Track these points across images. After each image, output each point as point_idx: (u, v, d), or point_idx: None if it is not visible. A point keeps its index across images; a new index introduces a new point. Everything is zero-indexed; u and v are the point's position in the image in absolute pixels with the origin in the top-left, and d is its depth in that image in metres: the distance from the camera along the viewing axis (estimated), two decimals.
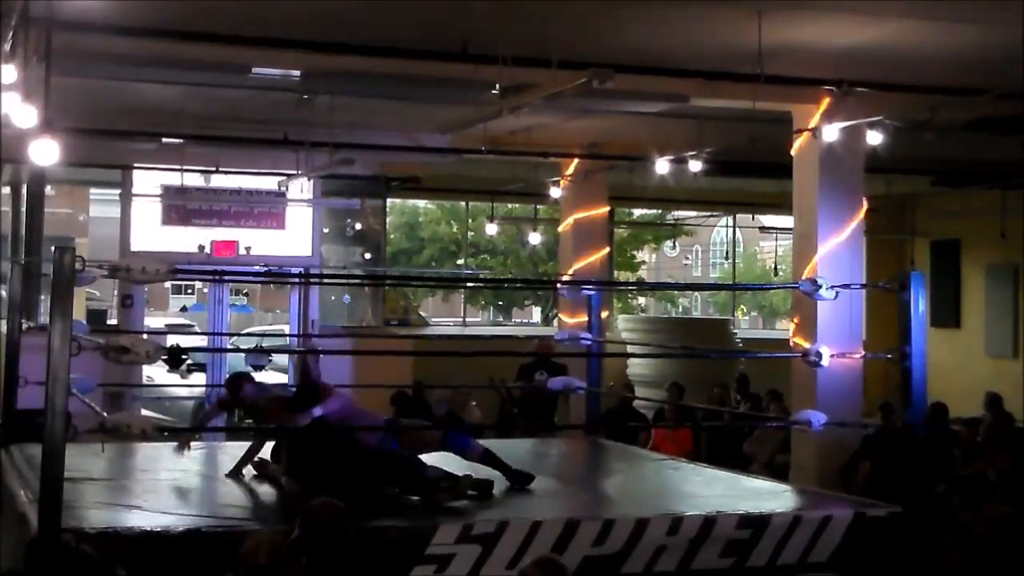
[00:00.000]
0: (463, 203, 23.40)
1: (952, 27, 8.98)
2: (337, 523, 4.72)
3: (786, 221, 16.14)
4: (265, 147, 13.08)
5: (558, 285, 15.57)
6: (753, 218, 23.12)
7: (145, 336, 10.30)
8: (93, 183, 17.81)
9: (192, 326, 27.13)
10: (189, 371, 16.41)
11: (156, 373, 15.91)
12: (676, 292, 39.36)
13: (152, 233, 14.14)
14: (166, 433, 9.99)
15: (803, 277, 10.34)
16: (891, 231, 19.61)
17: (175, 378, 16.26)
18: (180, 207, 14.29)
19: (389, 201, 19.67)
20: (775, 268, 26.08)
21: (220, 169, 13.97)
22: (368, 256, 17.17)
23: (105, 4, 8.26)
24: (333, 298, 16.79)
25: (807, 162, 11.04)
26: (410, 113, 12.52)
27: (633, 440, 11.19)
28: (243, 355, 16.09)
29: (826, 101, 10.64)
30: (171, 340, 15.31)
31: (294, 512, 5.04)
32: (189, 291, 42.75)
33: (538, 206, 20.18)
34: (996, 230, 16.94)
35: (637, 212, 29.03)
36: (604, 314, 11.07)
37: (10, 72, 7.27)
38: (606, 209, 15.90)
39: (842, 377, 10.21)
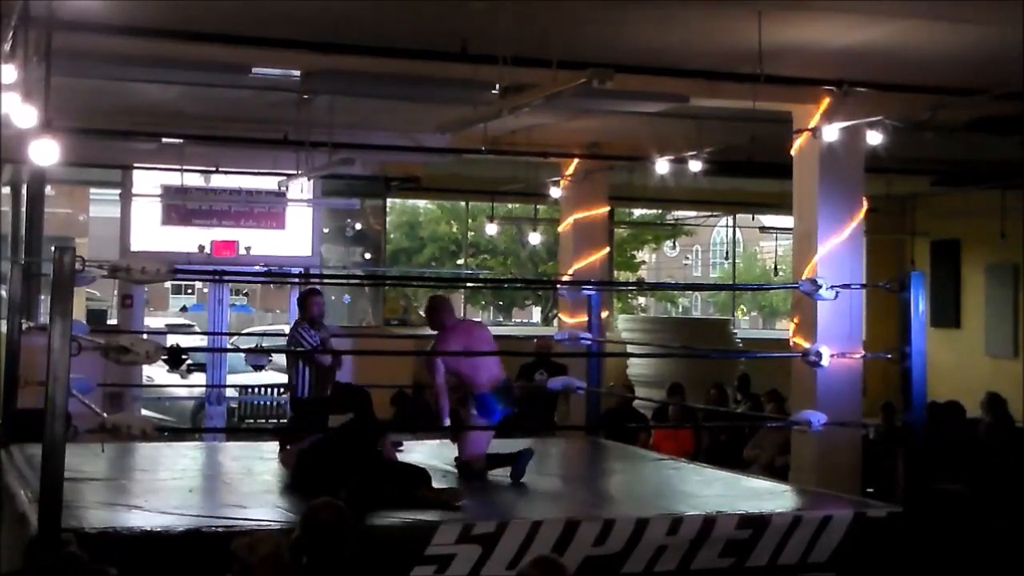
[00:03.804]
0: (463, 203, 23.39)
1: (952, 27, 8.97)
2: (337, 523, 4.72)
3: (786, 221, 16.14)
4: (265, 147, 13.07)
5: (558, 285, 15.56)
6: (753, 218, 23.12)
7: (145, 336, 10.30)
8: (93, 183, 17.82)
9: (192, 326, 27.13)
10: (189, 371, 16.42)
11: (156, 373, 15.91)
12: (676, 292, 39.34)
13: (152, 233, 14.14)
14: (166, 433, 10.01)
15: (803, 277, 10.33)
16: (891, 231, 19.61)
17: (175, 378, 16.27)
18: (180, 207, 14.29)
19: (389, 201, 19.67)
20: (775, 268, 26.08)
21: (220, 169, 13.97)
22: (368, 256, 17.19)
23: (105, 4, 8.25)
24: (333, 298, 16.80)
25: (807, 162, 11.03)
26: (410, 113, 12.52)
27: (633, 440, 11.18)
28: (243, 355, 16.15)
29: (826, 101, 10.63)
30: (171, 340, 15.35)
31: (295, 512, 5.05)
32: (189, 291, 42.76)
33: (538, 206, 20.17)
34: (996, 230, 16.93)
35: (637, 212, 29.02)
36: (604, 314, 11.08)
37: (10, 72, 7.27)
38: (606, 209, 15.90)
39: (842, 377, 10.19)
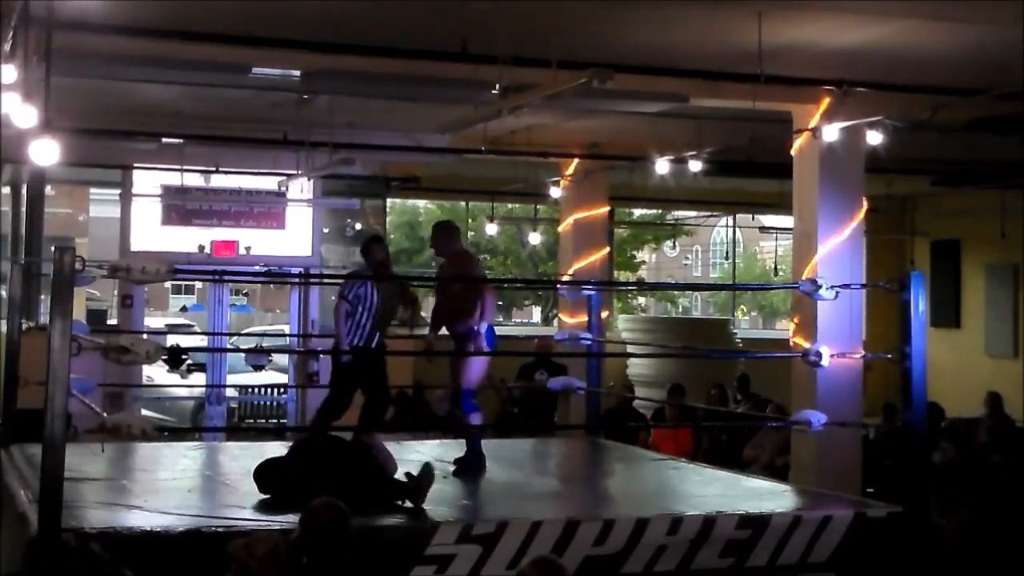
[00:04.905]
0: (463, 203, 23.39)
1: (952, 27, 8.97)
2: (338, 523, 4.72)
3: (786, 221, 16.13)
4: (265, 147, 13.06)
5: (558, 285, 15.56)
6: (753, 218, 23.12)
7: (145, 336, 10.31)
8: (93, 183, 17.79)
9: (192, 326, 27.15)
10: (189, 371, 16.41)
11: (156, 373, 15.92)
12: (676, 292, 39.35)
13: (152, 233, 14.12)
14: (166, 433, 10.01)
15: (803, 277, 10.33)
16: (891, 231, 19.61)
17: (175, 378, 16.27)
18: (180, 207, 14.27)
19: (389, 201, 19.66)
20: (775, 268, 26.09)
21: (220, 169, 13.95)
22: None
23: (105, 4, 8.25)
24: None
25: (807, 162, 11.02)
26: (410, 113, 12.51)
27: (633, 440, 11.19)
28: (243, 355, 16.16)
29: (826, 101, 10.62)
30: (171, 340, 15.35)
31: (295, 512, 5.05)
32: (189, 291, 42.81)
33: (538, 206, 20.16)
34: (996, 230, 16.93)
35: (637, 212, 29.03)
36: (604, 314, 11.07)
37: (10, 72, 7.26)
38: (606, 209, 15.88)
39: (842, 377, 10.19)
